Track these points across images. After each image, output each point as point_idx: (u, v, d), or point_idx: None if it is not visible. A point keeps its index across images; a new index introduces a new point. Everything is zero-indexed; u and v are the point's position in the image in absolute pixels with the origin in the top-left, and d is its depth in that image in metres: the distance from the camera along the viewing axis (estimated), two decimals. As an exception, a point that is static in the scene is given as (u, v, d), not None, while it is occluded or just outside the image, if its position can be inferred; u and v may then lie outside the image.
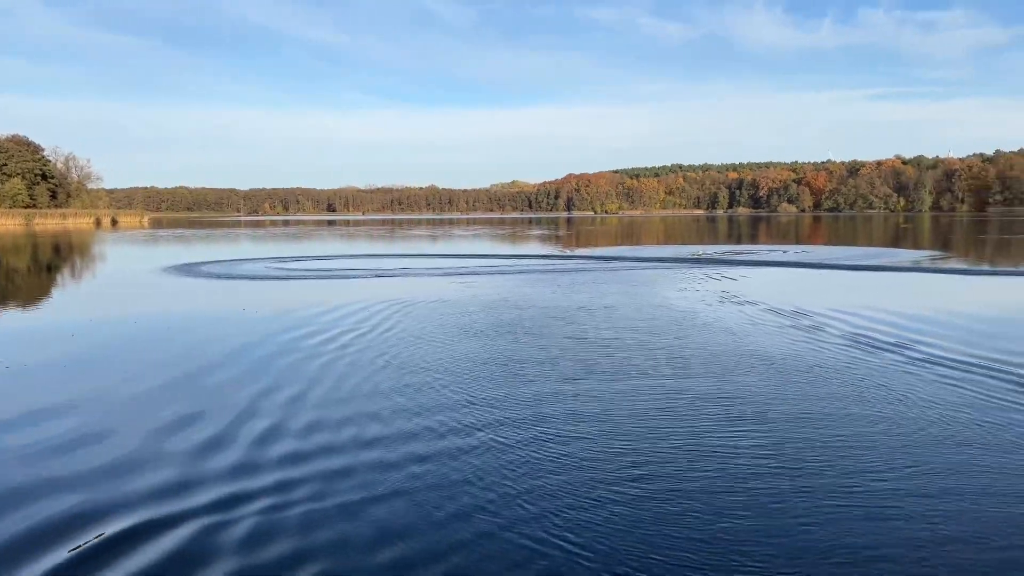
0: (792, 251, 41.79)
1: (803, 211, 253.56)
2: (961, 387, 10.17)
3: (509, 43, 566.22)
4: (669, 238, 65.18)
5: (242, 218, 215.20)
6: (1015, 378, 10.58)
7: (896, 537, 5.79)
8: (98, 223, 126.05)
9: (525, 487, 6.81)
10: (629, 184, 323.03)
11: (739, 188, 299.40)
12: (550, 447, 7.89)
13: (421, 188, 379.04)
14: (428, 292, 22.10)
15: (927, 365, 11.52)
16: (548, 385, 10.55)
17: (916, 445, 7.86)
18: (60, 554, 5.64)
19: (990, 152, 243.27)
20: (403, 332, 15.03)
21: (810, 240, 58.49)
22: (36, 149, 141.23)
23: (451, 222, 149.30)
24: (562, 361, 12.16)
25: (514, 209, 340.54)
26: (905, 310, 17.27)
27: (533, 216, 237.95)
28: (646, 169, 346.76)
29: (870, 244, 50.85)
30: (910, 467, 7.24)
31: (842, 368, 11.42)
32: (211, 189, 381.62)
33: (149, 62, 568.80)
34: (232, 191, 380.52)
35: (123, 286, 26.61)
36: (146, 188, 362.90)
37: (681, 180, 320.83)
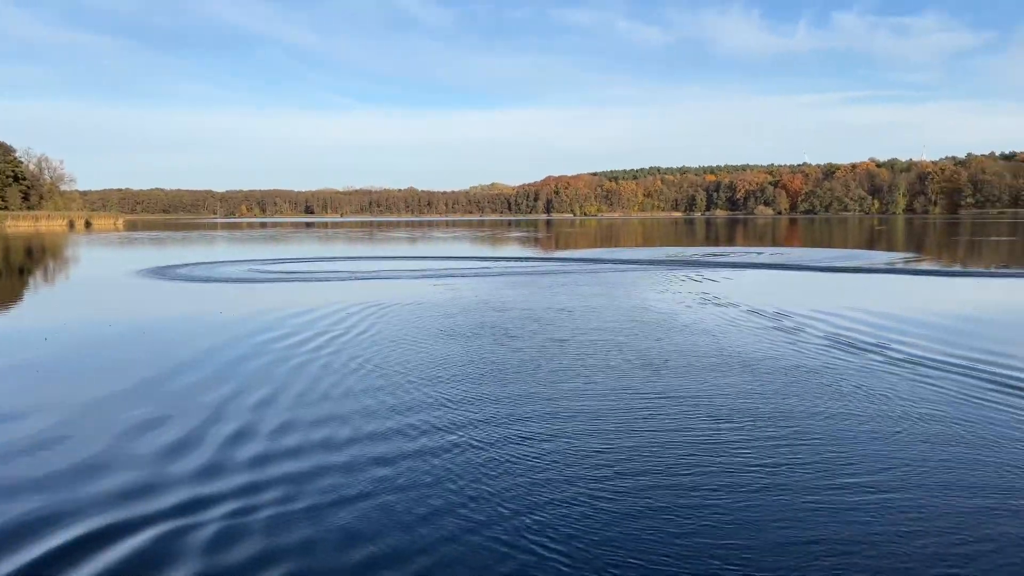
0: (768, 253, 42.08)
1: (779, 213, 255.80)
2: (938, 386, 10.24)
3: (487, 45, 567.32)
4: (648, 240, 65.43)
5: (218, 220, 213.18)
6: (990, 376, 10.68)
7: (875, 531, 5.79)
8: (71, 225, 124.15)
9: (502, 489, 6.72)
10: (608, 186, 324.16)
11: (716, 190, 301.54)
12: (528, 449, 7.80)
13: (400, 190, 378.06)
14: (407, 294, 21.95)
15: (905, 365, 11.60)
16: (527, 387, 10.46)
17: (895, 443, 7.89)
18: (22, 557, 5.48)
19: (962, 155, 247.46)
20: (380, 335, 14.88)
21: (787, 242, 58.97)
22: (8, 150, 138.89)
23: (430, 224, 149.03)
24: (541, 363, 12.08)
25: (493, 211, 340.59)
26: (882, 311, 17.40)
27: (512, 218, 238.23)
28: (624, 172, 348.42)
29: (845, 246, 51.34)
30: (890, 465, 7.26)
31: (821, 368, 11.45)
32: (187, 191, 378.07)
33: (123, 62, 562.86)
34: (208, 193, 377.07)
35: (97, 290, 26.19)
36: (121, 190, 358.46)
37: (659, 183, 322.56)
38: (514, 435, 8.23)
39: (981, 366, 11.35)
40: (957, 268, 31.77)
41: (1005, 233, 68.42)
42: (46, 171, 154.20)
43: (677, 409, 9.24)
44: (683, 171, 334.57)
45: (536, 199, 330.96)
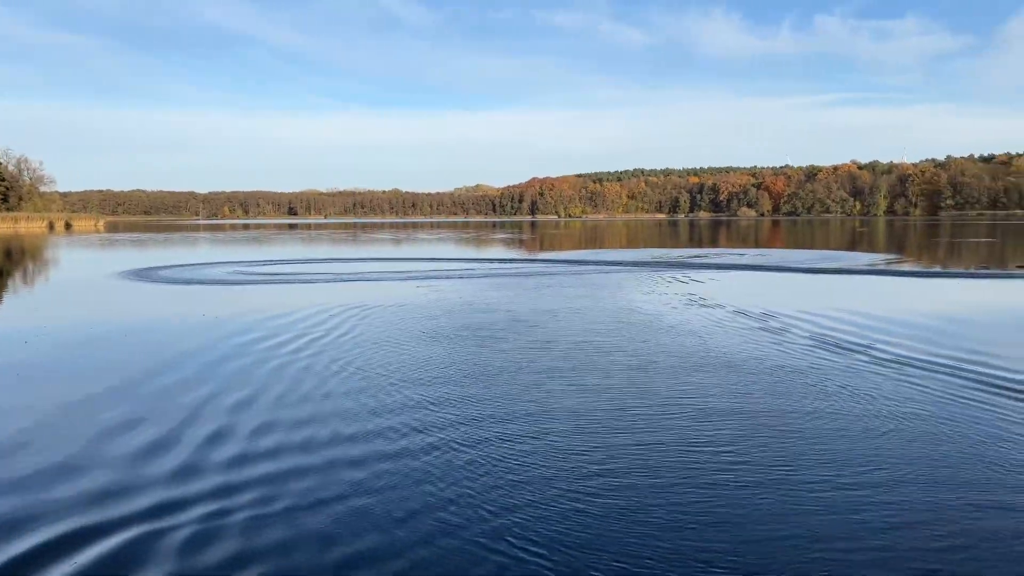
0: (752, 254, 42.33)
1: (762, 215, 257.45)
2: (923, 385, 10.30)
3: (472, 46, 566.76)
4: (632, 241, 65.62)
5: (201, 222, 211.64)
6: (973, 376, 10.76)
7: (861, 528, 5.79)
8: (51, 227, 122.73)
9: (484, 490, 6.66)
10: (592, 188, 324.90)
11: (700, 192, 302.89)
12: (512, 451, 7.74)
13: (384, 191, 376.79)
14: (390, 296, 21.84)
15: (890, 365, 11.66)
16: (511, 389, 10.41)
17: (881, 441, 7.91)
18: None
19: (942, 157, 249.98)
20: (363, 337, 14.79)
21: (770, 244, 59.33)
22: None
23: (414, 226, 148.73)
24: (526, 365, 12.04)
25: (478, 213, 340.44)
26: (866, 312, 17.51)
27: (497, 220, 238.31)
28: (609, 174, 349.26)
29: (828, 247, 51.73)
30: (875, 462, 7.28)
31: (807, 369, 11.49)
32: (169, 192, 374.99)
33: (104, 63, 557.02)
34: (191, 194, 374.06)
35: (78, 292, 25.86)
36: (101, 191, 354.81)
37: (643, 184, 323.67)
38: (497, 436, 8.17)
39: (964, 365, 11.43)
40: (938, 269, 32.13)
41: (984, 235, 69.20)
42: (25, 172, 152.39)
43: (663, 410, 9.22)
44: (667, 173, 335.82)
45: (521, 201, 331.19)
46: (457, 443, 7.98)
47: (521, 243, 63.77)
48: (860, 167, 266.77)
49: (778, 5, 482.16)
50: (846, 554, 5.49)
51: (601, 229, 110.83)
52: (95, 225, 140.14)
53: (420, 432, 8.38)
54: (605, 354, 12.75)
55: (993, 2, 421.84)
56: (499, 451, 7.72)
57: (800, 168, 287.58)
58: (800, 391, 10.10)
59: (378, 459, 7.53)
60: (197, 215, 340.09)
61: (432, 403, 9.63)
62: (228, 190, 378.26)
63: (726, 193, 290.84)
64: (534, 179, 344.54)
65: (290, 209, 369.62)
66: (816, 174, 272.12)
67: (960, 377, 10.75)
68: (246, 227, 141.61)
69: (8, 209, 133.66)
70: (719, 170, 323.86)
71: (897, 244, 56.14)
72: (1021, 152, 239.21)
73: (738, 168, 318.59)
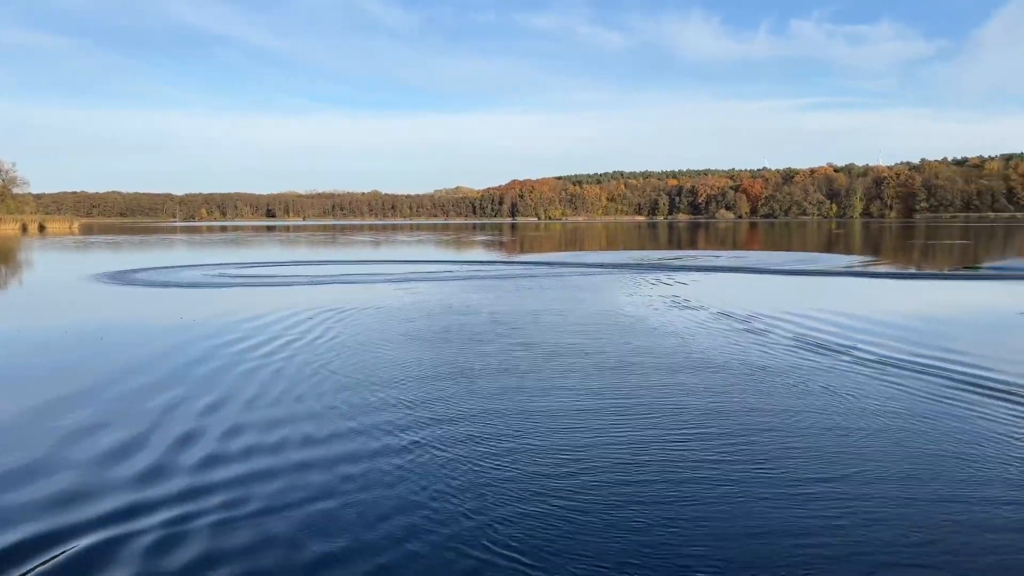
0: (731, 256, 42.63)
1: (740, 217, 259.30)
2: (903, 384, 10.39)
3: (451, 49, 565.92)
4: (613, 243, 65.82)
5: (178, 224, 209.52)
6: (951, 375, 10.88)
7: (841, 523, 5.81)
8: (24, 229, 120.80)
9: (460, 492, 6.60)
10: (572, 190, 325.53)
11: (679, 195, 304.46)
12: (493, 454, 7.69)
13: (363, 193, 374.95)
14: (369, 298, 21.72)
15: (870, 366, 11.75)
16: (493, 392, 10.36)
17: (861, 439, 7.96)
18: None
19: (916, 161, 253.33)
20: (343, 339, 14.67)
21: (748, 246, 59.77)
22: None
23: (394, 228, 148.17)
24: (507, 368, 11.99)
25: (458, 215, 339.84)
26: (846, 312, 17.66)
27: (477, 222, 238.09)
28: (588, 176, 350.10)
29: (805, 249, 52.21)
30: (857, 459, 7.32)
31: (789, 369, 11.56)
32: (145, 194, 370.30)
33: (79, 63, 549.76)
34: (167, 196, 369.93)
35: (52, 295, 25.44)
36: (76, 193, 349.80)
37: (623, 187, 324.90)
38: (475, 438, 8.11)
39: (943, 364, 11.55)
40: (913, 271, 32.57)
41: (958, 237, 70.21)
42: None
43: (646, 410, 9.22)
44: (646, 175, 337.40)
45: (501, 203, 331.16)
46: (434, 445, 7.93)
47: (501, 245, 63.74)
48: (836, 170, 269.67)
49: (755, 9, 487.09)
50: (827, 551, 5.52)
51: (581, 231, 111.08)
52: (70, 227, 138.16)
53: (395, 434, 8.32)
54: (587, 356, 12.75)
55: (966, 8, 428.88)
56: (477, 452, 7.67)
57: (777, 171, 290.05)
58: (782, 391, 10.15)
59: (351, 461, 7.48)
60: (174, 217, 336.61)
61: (409, 405, 9.57)
62: (205, 192, 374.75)
63: (704, 195, 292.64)
64: (514, 181, 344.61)
65: (268, 211, 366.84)
66: (793, 177, 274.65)
67: (938, 376, 10.87)
68: (223, 229, 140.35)
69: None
70: (697, 172, 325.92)
71: (873, 246, 56.76)
72: (993, 155, 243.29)
73: (716, 171, 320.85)
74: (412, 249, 56.43)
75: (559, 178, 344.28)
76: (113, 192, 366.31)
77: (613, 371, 11.59)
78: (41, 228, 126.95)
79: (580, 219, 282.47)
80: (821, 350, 13.11)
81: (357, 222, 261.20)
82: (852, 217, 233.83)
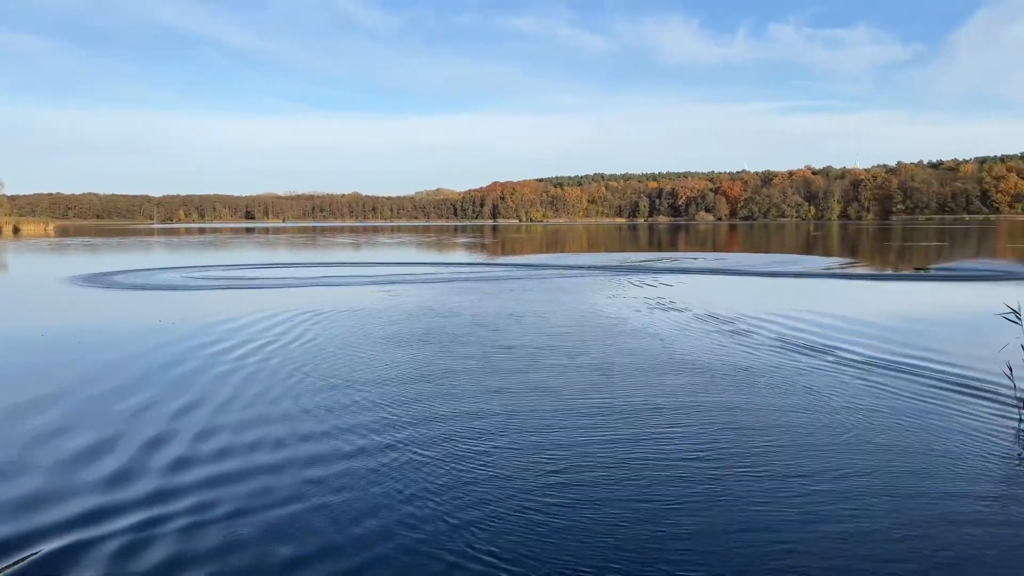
0: (711, 258, 42.91)
1: (720, 219, 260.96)
2: (881, 388, 10.48)
3: (432, 50, 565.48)
4: (594, 245, 65.97)
5: (155, 226, 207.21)
6: (932, 374, 11.00)
7: (820, 533, 5.83)
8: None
9: (444, 495, 6.58)
10: (553, 192, 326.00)
11: (659, 197, 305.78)
12: (472, 455, 7.67)
13: (344, 195, 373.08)
14: (349, 301, 21.61)
15: (849, 367, 11.85)
16: (474, 394, 10.33)
17: (843, 441, 8.01)
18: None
19: (893, 163, 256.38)
20: (323, 342, 14.58)
21: (728, 248, 60.15)
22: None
23: (375, 229, 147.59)
24: (490, 370, 11.97)
25: (439, 217, 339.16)
26: (827, 313, 17.81)
27: (459, 224, 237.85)
28: (569, 178, 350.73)
29: (784, 251, 52.63)
30: (839, 464, 7.35)
31: (771, 370, 11.63)
32: (122, 196, 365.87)
33: (54, 63, 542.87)
34: (145, 198, 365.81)
35: (26, 297, 25.07)
36: (51, 194, 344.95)
37: (603, 189, 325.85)
38: (456, 438, 8.08)
39: (922, 363, 11.68)
40: (889, 272, 32.96)
41: (933, 238, 71.10)
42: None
43: (628, 416, 9.22)
44: (627, 178, 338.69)
45: (482, 205, 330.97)
46: (411, 447, 7.89)
47: (483, 247, 63.68)
48: (814, 172, 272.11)
49: (734, 13, 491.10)
50: (809, 545, 5.55)
51: (562, 233, 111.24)
52: (45, 229, 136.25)
53: (372, 436, 8.29)
54: (569, 357, 12.75)
55: (941, 12, 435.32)
56: (456, 454, 7.64)
57: (756, 173, 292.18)
58: (765, 392, 10.21)
59: (325, 464, 7.44)
60: (151, 219, 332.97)
61: (387, 406, 9.52)
62: (183, 193, 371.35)
63: (684, 198, 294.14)
64: (495, 183, 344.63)
65: (247, 213, 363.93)
66: (772, 179, 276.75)
67: (918, 375, 10.99)
68: (202, 231, 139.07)
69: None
70: (677, 175, 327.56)
71: (851, 248, 57.32)
72: (968, 158, 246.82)
73: (696, 173, 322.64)
74: (393, 251, 56.23)
75: (540, 180, 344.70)
76: (89, 194, 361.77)
77: (595, 372, 11.60)
78: (15, 230, 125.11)
79: (561, 221, 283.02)
80: (803, 350, 13.21)
81: (337, 224, 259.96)
82: (830, 219, 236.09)
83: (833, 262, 38.29)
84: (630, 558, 5.50)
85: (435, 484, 6.88)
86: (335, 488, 6.82)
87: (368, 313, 18.73)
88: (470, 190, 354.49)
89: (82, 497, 6.61)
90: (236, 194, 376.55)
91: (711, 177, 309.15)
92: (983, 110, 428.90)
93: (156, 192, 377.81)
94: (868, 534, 5.84)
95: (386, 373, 11.62)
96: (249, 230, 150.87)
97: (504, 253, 53.68)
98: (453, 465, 7.39)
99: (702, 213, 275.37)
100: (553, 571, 5.32)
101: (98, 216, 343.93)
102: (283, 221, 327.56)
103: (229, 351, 13.55)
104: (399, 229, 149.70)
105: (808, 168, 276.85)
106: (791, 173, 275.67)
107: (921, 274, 30.08)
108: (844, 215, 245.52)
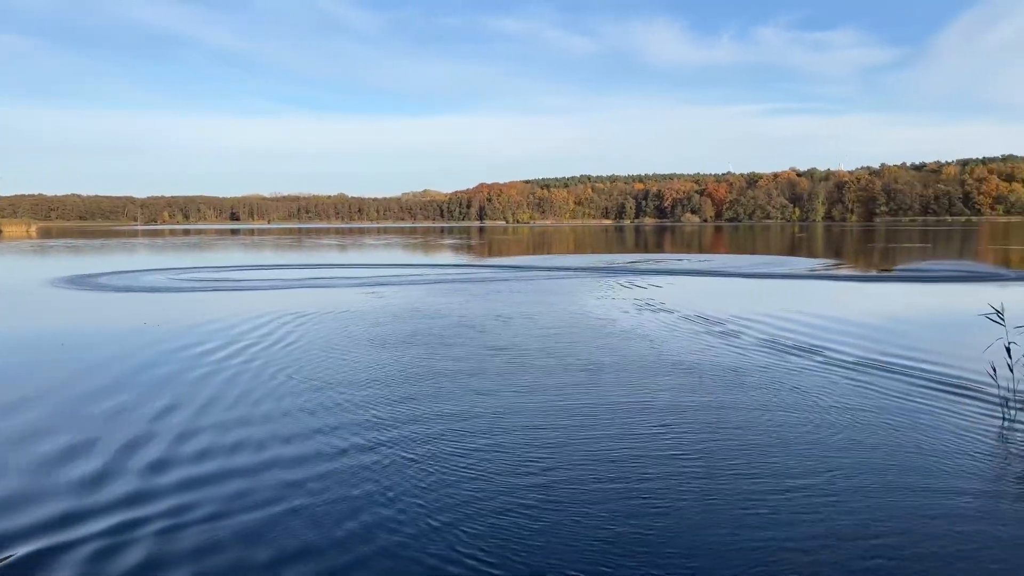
0: (697, 260, 43.06)
1: (705, 221, 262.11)
2: (869, 387, 10.51)
3: (419, 52, 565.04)
4: (581, 247, 66.06)
5: (139, 227, 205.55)
6: (917, 373, 11.05)
7: (808, 531, 5.83)
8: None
9: (431, 499, 6.51)
10: (540, 194, 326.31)
11: (645, 199, 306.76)
12: (460, 457, 7.61)
13: (330, 196, 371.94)
14: (336, 302, 21.49)
15: (837, 367, 11.89)
16: (462, 396, 10.27)
17: (830, 439, 8.02)
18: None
19: (876, 165, 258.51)
20: (309, 344, 14.47)
21: (714, 249, 60.40)
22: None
23: (361, 231, 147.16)
24: (477, 371, 11.91)
25: (426, 218, 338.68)
26: (811, 315, 17.88)
27: (445, 225, 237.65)
28: (556, 180, 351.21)
29: (769, 252, 52.91)
30: (827, 461, 7.36)
31: (757, 371, 11.64)
32: (105, 197, 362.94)
33: (36, 63, 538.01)
34: (129, 199, 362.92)
35: (8, 299, 24.76)
36: (33, 196, 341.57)
37: (590, 191, 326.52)
38: (450, 445, 8.02)
39: (907, 363, 11.74)
40: (873, 273, 33.21)
41: (917, 240, 71.70)
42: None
43: (616, 417, 9.19)
44: (613, 179, 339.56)
45: (469, 206, 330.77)
46: (397, 447, 7.82)
47: (469, 248, 63.61)
48: (799, 174, 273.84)
49: (719, 15, 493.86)
50: (797, 541, 5.54)
51: (549, 235, 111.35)
52: (27, 231, 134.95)
53: (356, 437, 8.22)
54: (557, 358, 12.72)
55: (924, 15, 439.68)
56: (443, 454, 7.57)
57: (741, 175, 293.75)
58: (752, 392, 10.21)
59: (307, 465, 7.37)
60: (135, 220, 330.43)
61: (372, 408, 9.44)
62: (167, 195, 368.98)
63: (670, 200, 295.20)
64: (482, 185, 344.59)
65: (232, 214, 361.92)
66: (757, 181, 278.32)
67: (904, 374, 11.04)
68: (186, 233, 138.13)
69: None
70: (663, 177, 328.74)
71: (835, 250, 57.71)
72: (950, 160, 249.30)
73: (682, 175, 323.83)
74: (379, 253, 56.06)
75: (527, 182, 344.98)
76: (72, 195, 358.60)
77: (583, 373, 11.57)
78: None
79: (548, 223, 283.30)
80: (791, 351, 13.24)
81: (323, 225, 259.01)
82: (815, 221, 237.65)
83: (818, 263, 38.51)
84: (616, 559, 5.47)
85: (419, 486, 6.82)
86: (316, 490, 6.75)
87: (354, 315, 18.63)
88: (457, 191, 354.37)
89: (58, 499, 6.51)
90: (221, 195, 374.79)
91: (697, 179, 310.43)
92: (965, 112, 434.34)
93: (140, 193, 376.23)
94: (856, 532, 5.85)
95: (371, 375, 11.54)
96: (234, 232, 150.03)
97: (491, 254, 53.64)
98: (437, 467, 7.33)
99: (688, 215, 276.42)
100: (537, 573, 5.27)
101: (81, 217, 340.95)
102: (268, 223, 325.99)
103: (213, 352, 13.42)
104: (385, 231, 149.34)
105: (793, 170, 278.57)
106: (776, 175, 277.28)
107: (905, 275, 30.30)
108: (828, 217, 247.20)
